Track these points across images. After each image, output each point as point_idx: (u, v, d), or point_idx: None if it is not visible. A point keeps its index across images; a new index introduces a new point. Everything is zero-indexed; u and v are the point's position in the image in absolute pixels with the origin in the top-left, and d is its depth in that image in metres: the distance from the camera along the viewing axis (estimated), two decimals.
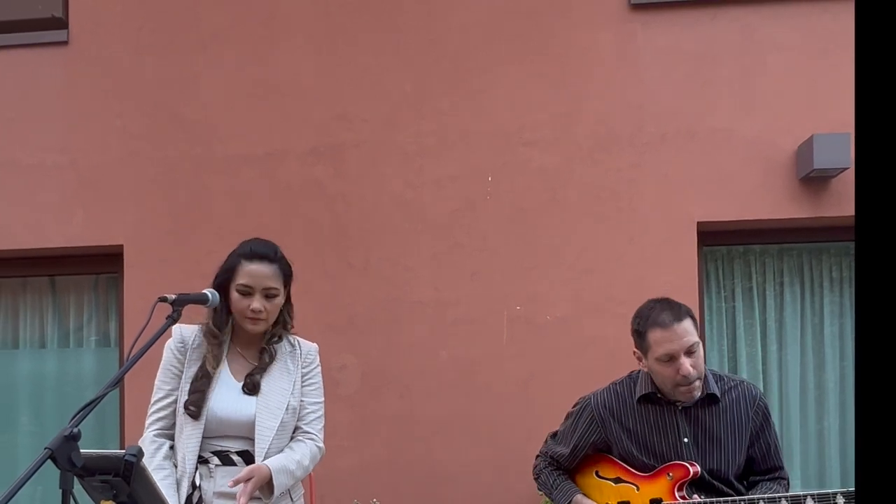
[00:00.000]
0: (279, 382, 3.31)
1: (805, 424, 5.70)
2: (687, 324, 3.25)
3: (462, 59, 5.72)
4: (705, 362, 3.41)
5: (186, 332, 3.34)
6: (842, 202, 5.38)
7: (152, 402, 3.33)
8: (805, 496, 3.18)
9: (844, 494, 3.14)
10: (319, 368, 3.48)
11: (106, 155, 5.92)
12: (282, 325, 3.39)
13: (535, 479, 3.78)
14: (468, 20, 5.72)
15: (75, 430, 2.23)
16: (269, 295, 3.27)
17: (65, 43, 6.02)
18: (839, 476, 5.68)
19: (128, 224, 5.88)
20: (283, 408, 3.28)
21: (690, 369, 3.22)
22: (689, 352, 3.23)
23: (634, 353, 3.41)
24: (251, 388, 3.26)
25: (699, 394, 3.32)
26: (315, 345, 3.51)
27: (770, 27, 5.54)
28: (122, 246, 5.89)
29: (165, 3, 5.95)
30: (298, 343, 3.45)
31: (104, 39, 5.99)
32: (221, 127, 5.85)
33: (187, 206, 5.83)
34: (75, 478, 2.26)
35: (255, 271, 3.25)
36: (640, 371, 3.48)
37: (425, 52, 5.75)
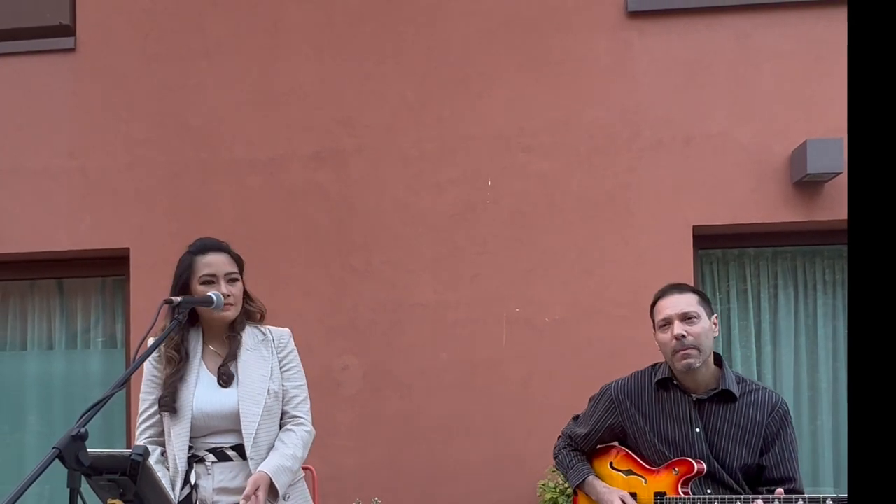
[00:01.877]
0: (256, 370, 3.37)
1: (799, 424, 5.68)
2: (688, 296, 3.46)
3: (462, 66, 5.76)
4: (728, 366, 3.50)
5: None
6: (835, 206, 5.41)
7: (140, 413, 3.41)
8: (797, 499, 3.24)
9: (834, 500, 3.16)
10: (296, 352, 3.54)
11: (113, 160, 5.97)
12: (243, 313, 3.45)
13: (554, 458, 3.86)
14: (468, 28, 5.77)
15: (82, 429, 2.27)
16: (231, 280, 3.36)
17: (72, 50, 6.07)
18: (832, 475, 5.71)
19: (134, 228, 5.93)
20: (265, 392, 3.34)
21: (682, 330, 3.34)
22: (685, 318, 3.38)
23: (653, 332, 3.56)
24: (226, 379, 3.34)
25: (698, 364, 3.37)
26: (287, 329, 3.56)
27: (765, 34, 5.58)
28: (128, 249, 5.94)
29: (171, 11, 6.00)
30: (269, 331, 3.50)
31: (111, 47, 6.05)
32: (226, 133, 5.90)
33: (192, 210, 5.88)
34: (83, 477, 2.30)
35: (212, 260, 3.35)
36: (662, 363, 3.57)
37: (426, 60, 5.80)
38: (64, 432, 2.28)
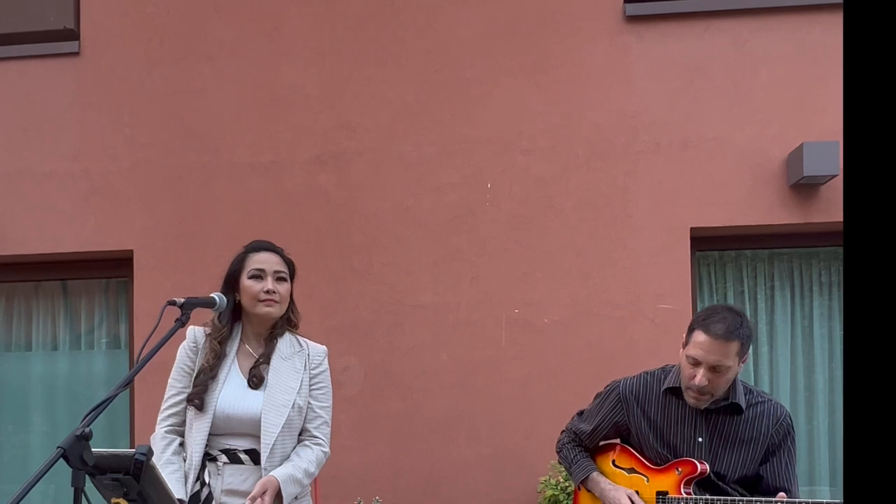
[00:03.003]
0: (286, 380, 3.40)
1: (796, 424, 5.68)
2: (731, 346, 3.27)
3: (462, 70, 5.81)
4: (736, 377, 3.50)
5: (199, 333, 3.46)
6: (831, 208, 5.46)
7: (165, 398, 3.43)
8: (799, 503, 3.26)
9: None
10: (328, 372, 3.57)
11: (116, 163, 6.02)
12: (285, 320, 3.51)
13: (558, 452, 3.89)
14: (468, 33, 5.81)
15: (87, 429, 2.29)
16: (279, 278, 3.43)
17: (76, 54, 6.12)
18: (828, 474, 5.75)
19: (137, 230, 5.97)
20: (289, 405, 3.37)
21: (704, 382, 3.30)
22: (714, 369, 3.30)
23: (683, 339, 3.47)
24: (256, 381, 3.37)
25: (704, 406, 3.40)
26: (324, 347, 3.60)
27: (761, 38, 5.62)
28: (131, 251, 5.98)
29: (174, 16, 6.05)
30: (307, 344, 3.54)
31: (115, 51, 6.09)
32: (228, 136, 5.94)
33: (195, 212, 5.92)
34: (87, 476, 2.32)
35: (264, 257, 3.43)
36: (674, 365, 3.57)
37: (426, 64, 5.84)
38: (68, 432, 2.29)
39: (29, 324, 6.46)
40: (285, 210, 5.86)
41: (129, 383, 2.63)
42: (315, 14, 5.95)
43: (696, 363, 3.32)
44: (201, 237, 5.85)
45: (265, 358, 3.42)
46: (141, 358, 2.67)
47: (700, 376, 3.31)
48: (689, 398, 3.41)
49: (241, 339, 3.47)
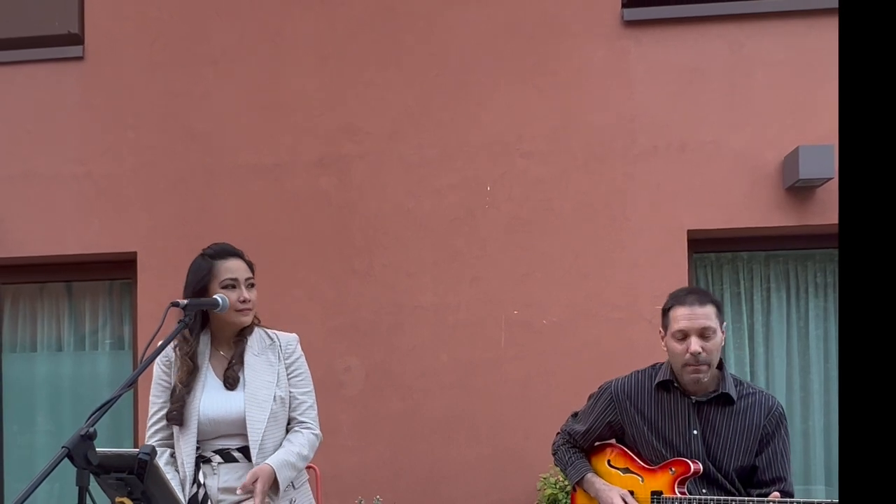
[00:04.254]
0: (263, 375, 3.40)
1: (791, 424, 5.64)
2: (708, 309, 3.39)
3: (462, 74, 5.85)
4: (725, 368, 3.54)
5: (169, 348, 3.40)
6: (826, 211, 5.49)
7: (149, 416, 3.44)
8: (791, 503, 3.27)
9: None
10: (303, 358, 3.55)
11: (120, 165, 6.06)
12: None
13: (553, 454, 3.90)
14: (468, 37, 5.86)
15: (91, 429, 2.32)
16: (251, 285, 3.42)
17: (80, 58, 6.16)
18: (824, 474, 5.79)
19: (141, 232, 6.02)
20: (271, 399, 3.37)
21: (698, 348, 3.34)
22: (703, 335, 3.36)
23: (660, 332, 3.54)
24: (231, 382, 3.37)
25: (706, 379, 3.42)
26: (294, 335, 3.59)
27: (758, 43, 5.66)
28: (135, 253, 6.02)
29: (177, 20, 6.09)
30: (277, 336, 3.53)
31: (118, 55, 6.13)
32: (231, 138, 5.98)
33: (198, 214, 5.97)
34: (91, 475, 2.35)
35: (234, 266, 3.39)
36: (662, 363, 3.59)
37: (427, 68, 5.88)
38: (73, 432, 2.32)
39: (34, 325, 6.50)
40: (287, 212, 5.90)
41: (132, 384, 2.64)
42: (317, 18, 5.99)
43: (684, 336, 3.38)
44: (204, 239, 5.73)
45: (237, 358, 3.42)
46: (144, 359, 2.72)
47: (694, 344, 3.35)
48: (689, 375, 3.41)
49: (212, 346, 3.46)
